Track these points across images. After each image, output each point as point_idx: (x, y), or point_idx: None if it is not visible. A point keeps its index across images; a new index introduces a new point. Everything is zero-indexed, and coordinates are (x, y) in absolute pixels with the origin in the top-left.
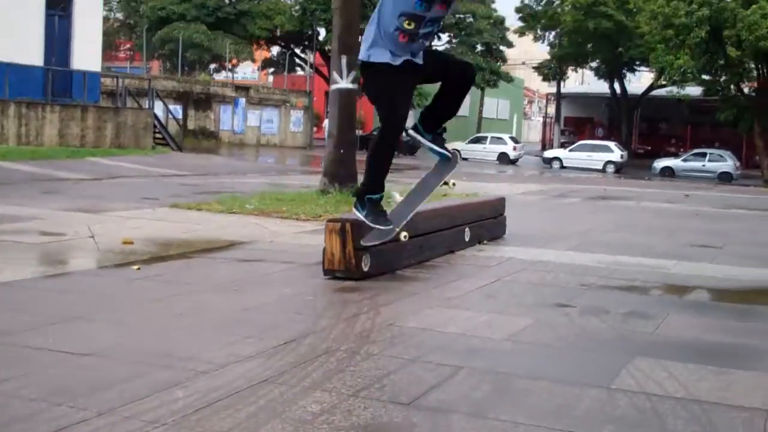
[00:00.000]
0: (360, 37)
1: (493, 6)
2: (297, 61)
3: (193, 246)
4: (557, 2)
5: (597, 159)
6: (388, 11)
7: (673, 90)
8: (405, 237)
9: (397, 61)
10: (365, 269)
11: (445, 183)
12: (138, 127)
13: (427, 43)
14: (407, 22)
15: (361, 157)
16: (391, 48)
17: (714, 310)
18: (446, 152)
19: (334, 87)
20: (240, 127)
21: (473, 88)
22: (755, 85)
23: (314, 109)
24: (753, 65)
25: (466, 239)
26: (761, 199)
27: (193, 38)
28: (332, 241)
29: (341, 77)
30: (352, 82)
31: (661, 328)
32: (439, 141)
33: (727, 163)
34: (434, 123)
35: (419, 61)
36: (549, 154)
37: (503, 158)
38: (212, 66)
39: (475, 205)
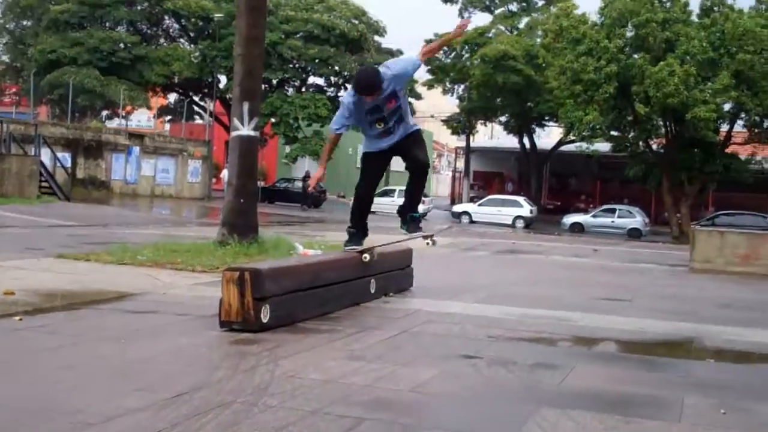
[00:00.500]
0: (261, 83)
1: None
2: (196, 109)
3: (80, 297)
4: (466, 55)
5: (506, 214)
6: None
7: (582, 145)
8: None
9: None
10: (264, 321)
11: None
12: (23, 175)
13: (399, 124)
14: (377, 124)
15: (264, 208)
16: (371, 143)
17: (622, 362)
18: (419, 234)
19: (234, 134)
20: (133, 177)
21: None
22: (663, 141)
23: (213, 158)
24: (661, 122)
25: (372, 291)
26: (669, 254)
27: (84, 83)
28: (230, 291)
29: (242, 124)
30: (254, 129)
31: (569, 378)
32: (412, 227)
33: (636, 219)
34: (407, 208)
35: (391, 143)
36: (458, 208)
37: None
38: (105, 113)
39: (381, 255)
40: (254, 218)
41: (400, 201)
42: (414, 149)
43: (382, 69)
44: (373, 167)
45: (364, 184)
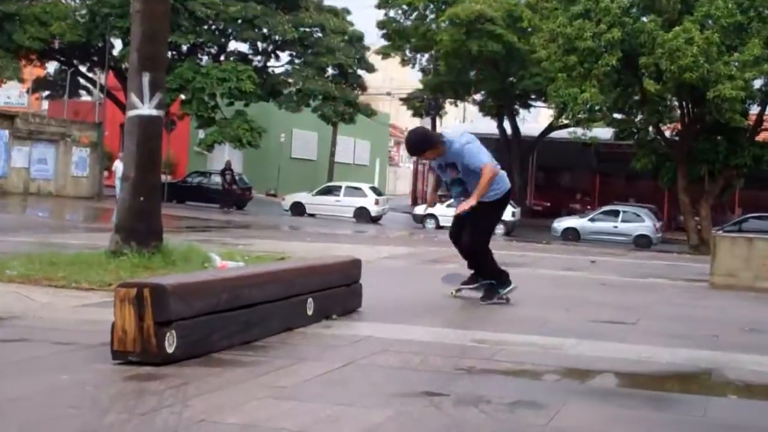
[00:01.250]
0: (167, 48)
1: (349, 18)
2: (82, 82)
3: None
4: (431, 16)
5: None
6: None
7: (578, 131)
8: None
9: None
10: (170, 351)
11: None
12: None
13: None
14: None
15: (171, 209)
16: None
17: (623, 399)
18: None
19: (131, 114)
20: (1, 169)
21: (322, 124)
22: (678, 126)
23: (105, 146)
24: (676, 102)
25: (309, 312)
26: (685, 267)
27: None
28: (124, 313)
29: (142, 101)
30: (157, 107)
31: (557, 419)
32: (485, 294)
33: (645, 224)
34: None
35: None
36: (421, 210)
37: (362, 214)
38: None
39: (321, 268)
40: (158, 222)
41: (348, 201)
42: (467, 225)
43: (449, 138)
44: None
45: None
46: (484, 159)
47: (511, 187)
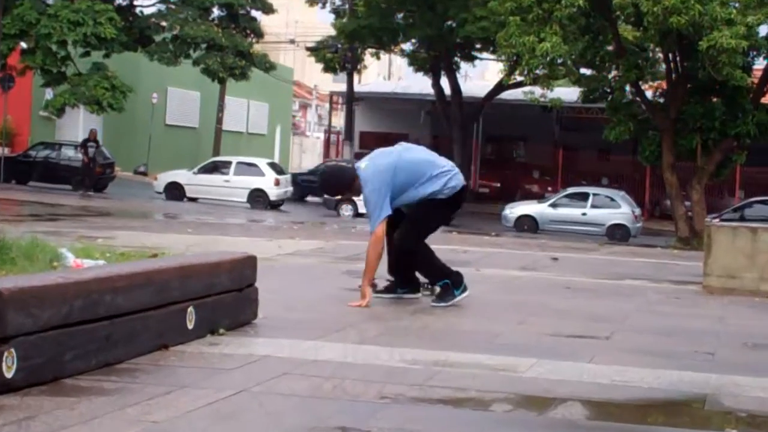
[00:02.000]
0: None
1: None
2: None
3: None
4: None
5: None
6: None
7: (535, 92)
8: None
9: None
10: (8, 376)
11: None
12: None
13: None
14: None
15: (10, 192)
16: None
17: None
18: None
19: None
20: None
21: (206, 81)
22: (663, 85)
23: None
24: (660, 54)
25: (190, 325)
26: (672, 265)
27: None
28: None
29: None
30: None
31: None
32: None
33: (621, 211)
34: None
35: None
36: None
37: (258, 198)
38: None
39: (205, 268)
40: None
41: (239, 180)
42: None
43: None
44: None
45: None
46: (377, 215)
47: (466, 185)
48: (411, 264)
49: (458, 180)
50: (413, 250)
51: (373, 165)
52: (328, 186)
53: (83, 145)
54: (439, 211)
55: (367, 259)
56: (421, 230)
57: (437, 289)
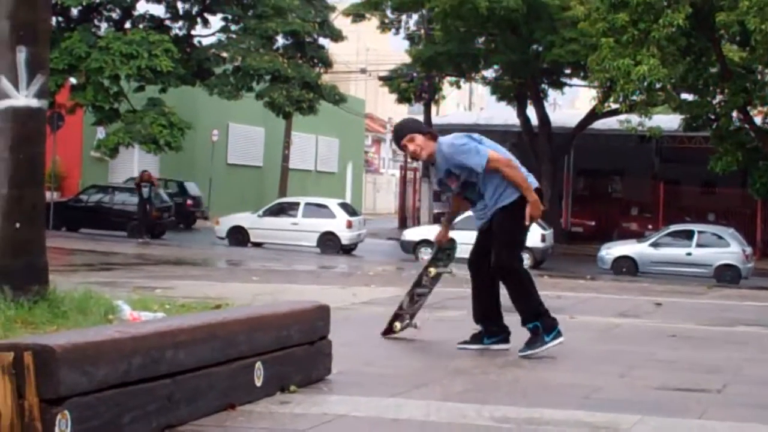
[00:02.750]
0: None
1: None
2: None
3: None
4: None
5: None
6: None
7: (632, 120)
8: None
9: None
10: None
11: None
12: None
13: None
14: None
15: (59, 239)
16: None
17: None
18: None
19: (2, 105)
20: None
21: (271, 116)
22: None
23: None
24: None
25: (258, 383)
26: None
27: None
28: None
29: (16, 87)
30: (37, 95)
31: None
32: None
33: (730, 250)
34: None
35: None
36: (414, 234)
37: (329, 242)
38: None
39: (273, 320)
40: (41, 257)
41: (308, 223)
42: (492, 242)
43: (440, 139)
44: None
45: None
46: (484, 150)
47: (540, 188)
48: (522, 289)
49: (531, 177)
50: (514, 267)
51: (461, 135)
52: (397, 129)
53: (137, 186)
54: (521, 217)
55: (509, 176)
56: (517, 244)
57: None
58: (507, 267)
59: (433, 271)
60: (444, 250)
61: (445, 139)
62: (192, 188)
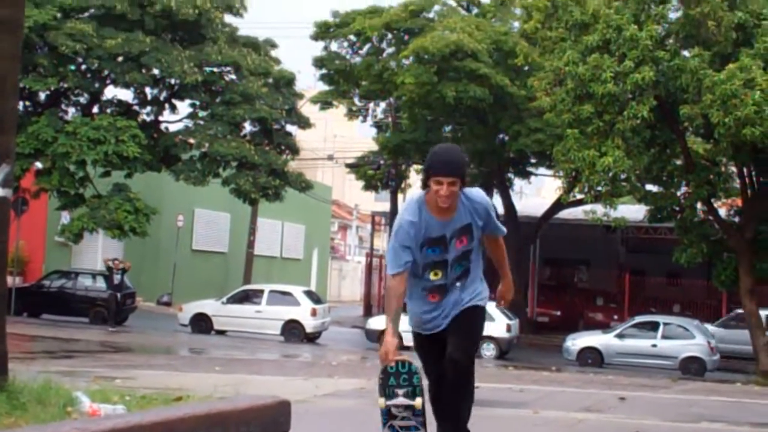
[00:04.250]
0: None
1: (275, 54)
2: None
3: None
4: (389, 50)
5: None
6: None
7: (597, 210)
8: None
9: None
10: None
11: None
12: None
13: (460, 288)
14: (433, 272)
15: (20, 326)
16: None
17: None
18: None
19: None
20: None
21: (237, 202)
22: (739, 203)
23: None
24: (733, 168)
25: None
26: (753, 405)
27: None
28: None
29: None
30: (3, 184)
31: None
32: None
33: (696, 342)
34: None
35: (436, 326)
36: (379, 323)
37: (294, 330)
38: None
39: (232, 415)
40: (1, 345)
41: (273, 311)
42: (458, 333)
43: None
44: (428, 358)
45: (432, 384)
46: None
47: None
48: (471, 390)
49: None
50: (473, 362)
51: None
52: (459, 160)
53: (109, 272)
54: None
55: (506, 261)
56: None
57: None
58: (472, 363)
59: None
60: (400, 374)
61: (470, 190)
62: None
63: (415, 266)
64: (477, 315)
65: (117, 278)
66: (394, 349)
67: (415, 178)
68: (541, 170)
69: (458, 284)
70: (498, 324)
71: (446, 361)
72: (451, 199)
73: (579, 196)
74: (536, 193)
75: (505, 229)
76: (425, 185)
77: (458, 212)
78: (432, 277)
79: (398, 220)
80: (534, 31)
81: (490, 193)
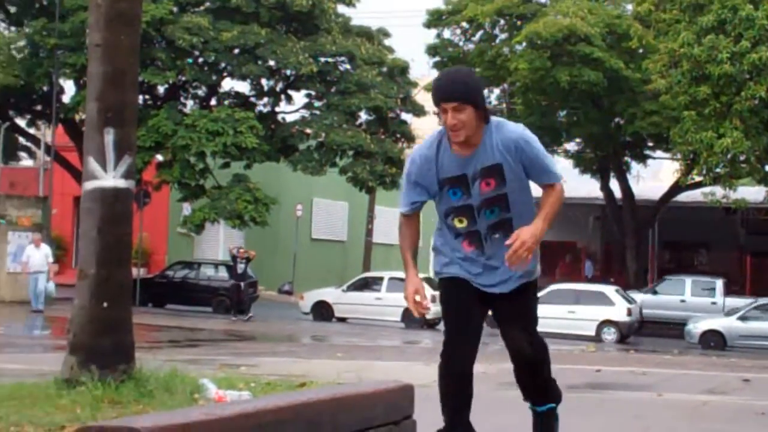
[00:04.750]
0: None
1: (388, 43)
2: (21, 140)
3: None
4: (502, 36)
5: (585, 317)
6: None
7: (717, 192)
8: None
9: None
10: None
11: None
12: None
13: (500, 242)
14: (457, 219)
15: (145, 316)
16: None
17: None
18: None
19: (90, 186)
20: None
21: (354, 191)
22: None
23: (53, 229)
24: None
25: None
26: None
27: None
28: None
29: (104, 168)
30: (125, 176)
31: None
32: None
33: None
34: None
35: (483, 282)
36: None
37: (413, 317)
38: None
39: (357, 399)
40: (128, 336)
41: (393, 298)
42: (514, 320)
43: (500, 123)
44: (456, 306)
45: (448, 342)
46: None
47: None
48: (549, 367)
49: None
50: (546, 347)
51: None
52: (465, 81)
53: (232, 263)
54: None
55: (554, 206)
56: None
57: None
58: (543, 353)
59: None
60: None
61: (506, 122)
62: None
63: (437, 206)
64: (530, 297)
65: (241, 267)
66: (422, 288)
67: None
68: (658, 153)
69: (496, 236)
70: (618, 308)
71: (516, 355)
72: (463, 131)
73: (697, 179)
74: (654, 177)
75: (559, 175)
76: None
77: (482, 148)
78: (457, 224)
79: (412, 153)
80: (647, 13)
81: (606, 178)
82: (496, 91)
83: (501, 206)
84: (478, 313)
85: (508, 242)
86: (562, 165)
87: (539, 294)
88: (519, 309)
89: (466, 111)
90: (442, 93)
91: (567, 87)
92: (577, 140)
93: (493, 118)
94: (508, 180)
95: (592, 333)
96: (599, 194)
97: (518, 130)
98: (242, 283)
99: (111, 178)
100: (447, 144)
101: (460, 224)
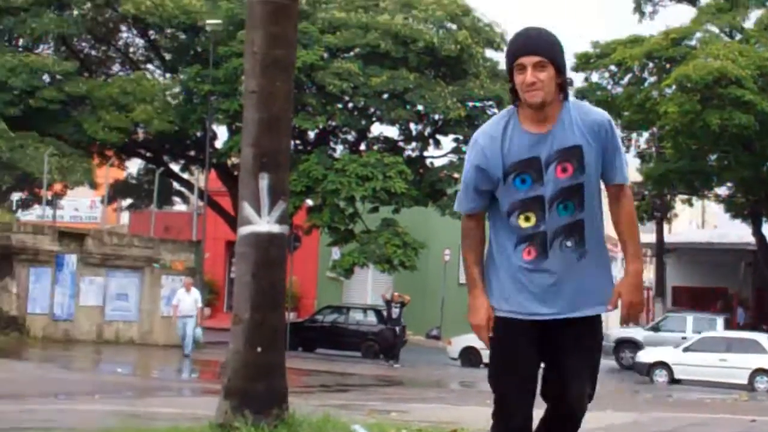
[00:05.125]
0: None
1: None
2: (175, 186)
3: None
4: (650, 79)
5: (737, 365)
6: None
7: None
8: None
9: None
10: None
11: None
12: None
13: (576, 252)
14: (523, 216)
15: (296, 361)
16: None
17: None
18: None
19: (245, 231)
20: (66, 308)
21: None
22: None
23: (206, 273)
24: None
25: None
26: None
27: None
28: None
29: (258, 213)
30: (279, 221)
31: None
32: None
33: None
34: None
35: (548, 312)
36: (648, 356)
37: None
38: (17, 195)
39: None
40: (281, 380)
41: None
42: (577, 365)
43: (579, 103)
44: (515, 360)
45: (506, 402)
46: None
47: None
48: None
49: None
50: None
51: None
52: (548, 37)
53: (388, 306)
54: None
55: (635, 222)
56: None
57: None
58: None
59: None
60: None
61: (586, 103)
62: None
63: (496, 208)
64: (597, 333)
65: (395, 312)
66: (490, 312)
67: (680, 208)
68: None
69: (569, 243)
70: None
71: (562, 409)
72: (543, 92)
73: None
74: None
75: (628, 176)
76: (514, 92)
77: (559, 125)
78: (522, 223)
79: (474, 135)
80: None
81: (758, 223)
82: (645, 134)
83: (576, 201)
84: (537, 363)
85: (610, 307)
86: (711, 210)
87: (689, 342)
88: (584, 350)
89: (548, 70)
90: (523, 46)
91: (717, 130)
92: (728, 184)
93: (572, 98)
94: (587, 168)
95: (745, 381)
96: (751, 239)
97: (603, 112)
98: (397, 328)
99: (265, 224)
100: (517, 121)
101: (527, 223)
